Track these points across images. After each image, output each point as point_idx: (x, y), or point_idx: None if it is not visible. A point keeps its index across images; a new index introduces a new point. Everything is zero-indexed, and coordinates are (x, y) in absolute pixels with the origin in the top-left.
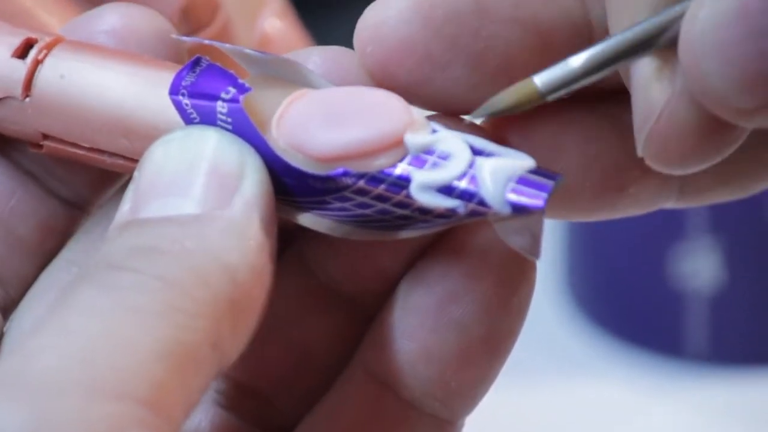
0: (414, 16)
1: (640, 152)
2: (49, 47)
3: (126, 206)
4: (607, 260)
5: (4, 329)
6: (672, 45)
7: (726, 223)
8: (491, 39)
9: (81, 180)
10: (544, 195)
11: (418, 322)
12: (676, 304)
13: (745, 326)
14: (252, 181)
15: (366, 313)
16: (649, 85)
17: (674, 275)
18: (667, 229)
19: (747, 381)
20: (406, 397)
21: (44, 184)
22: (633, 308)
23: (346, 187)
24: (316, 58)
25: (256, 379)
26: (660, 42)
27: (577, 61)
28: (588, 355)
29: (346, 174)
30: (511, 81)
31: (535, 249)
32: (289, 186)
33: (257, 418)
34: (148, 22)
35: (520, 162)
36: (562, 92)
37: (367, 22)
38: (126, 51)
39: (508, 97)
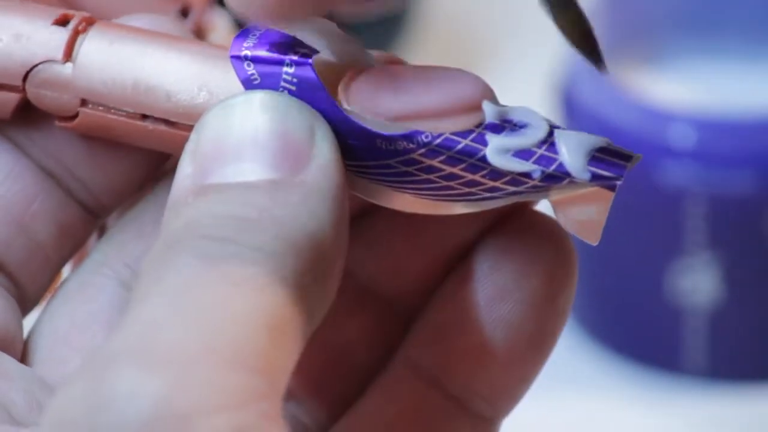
0: None
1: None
2: (88, 21)
3: (188, 169)
4: (605, 275)
5: (32, 329)
6: None
7: (725, 239)
8: None
9: (103, 183)
10: (625, 164)
11: (467, 319)
12: (675, 320)
13: (744, 342)
14: (325, 146)
15: (404, 312)
16: None
17: (673, 291)
18: (666, 244)
19: (746, 397)
20: (453, 393)
21: (65, 186)
22: (631, 323)
23: (416, 149)
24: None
25: (291, 381)
26: None
27: None
28: (586, 370)
29: (417, 134)
30: None
31: (596, 233)
32: (354, 149)
33: (290, 421)
34: (174, 31)
35: (596, 137)
36: None
37: None
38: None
39: None
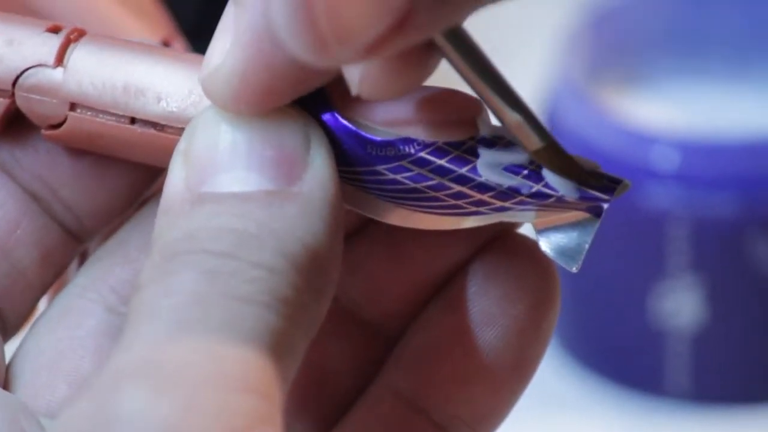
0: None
1: (354, 93)
2: (80, 32)
3: (181, 172)
4: (589, 298)
5: (15, 354)
6: None
7: (707, 261)
8: None
9: (87, 206)
10: (614, 187)
11: (451, 344)
12: (658, 343)
13: (727, 365)
14: (320, 154)
15: (386, 336)
16: None
17: (656, 313)
18: (649, 267)
19: (728, 419)
20: (436, 419)
21: (49, 209)
22: (615, 346)
23: (406, 156)
24: None
25: None
26: None
27: None
28: (570, 393)
29: (408, 142)
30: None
31: (577, 260)
32: (346, 154)
33: None
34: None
35: (587, 160)
36: None
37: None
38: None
39: None
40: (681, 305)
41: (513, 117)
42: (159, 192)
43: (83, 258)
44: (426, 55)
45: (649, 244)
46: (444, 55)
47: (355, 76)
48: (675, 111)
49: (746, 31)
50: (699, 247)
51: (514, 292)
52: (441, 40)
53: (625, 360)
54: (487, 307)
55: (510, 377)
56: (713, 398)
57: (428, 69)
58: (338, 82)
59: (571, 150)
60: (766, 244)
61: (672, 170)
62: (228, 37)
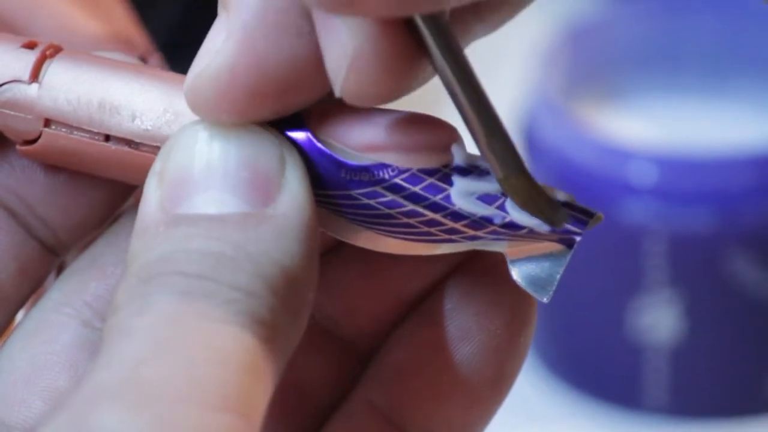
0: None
1: (338, 94)
2: (56, 48)
3: (156, 192)
4: (566, 313)
5: None
6: None
7: (685, 276)
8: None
9: (63, 221)
10: (587, 220)
11: (428, 360)
12: (636, 357)
13: (705, 379)
14: (295, 176)
15: (361, 352)
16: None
17: (634, 328)
18: (627, 282)
19: None
20: None
21: (25, 223)
22: (593, 361)
23: (381, 182)
24: None
25: None
26: None
27: None
28: (548, 408)
29: (383, 168)
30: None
31: (548, 290)
32: (321, 177)
33: None
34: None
35: (561, 192)
36: None
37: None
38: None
39: None
40: (658, 320)
41: (486, 138)
42: (133, 206)
43: (60, 270)
44: (410, 59)
45: (627, 259)
46: (428, 57)
47: (340, 76)
48: (652, 126)
49: (722, 46)
50: (676, 262)
51: (490, 307)
52: (422, 28)
53: (603, 375)
54: (463, 322)
55: (487, 392)
56: (691, 413)
57: (413, 76)
58: (315, 104)
59: (549, 167)
60: (743, 259)
61: (649, 185)
62: (219, 38)
